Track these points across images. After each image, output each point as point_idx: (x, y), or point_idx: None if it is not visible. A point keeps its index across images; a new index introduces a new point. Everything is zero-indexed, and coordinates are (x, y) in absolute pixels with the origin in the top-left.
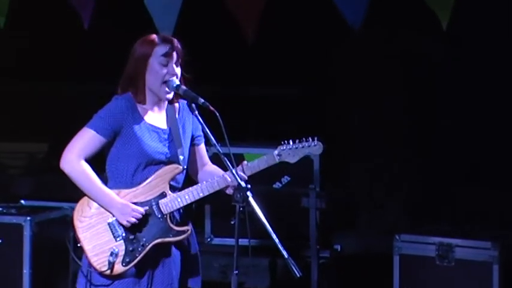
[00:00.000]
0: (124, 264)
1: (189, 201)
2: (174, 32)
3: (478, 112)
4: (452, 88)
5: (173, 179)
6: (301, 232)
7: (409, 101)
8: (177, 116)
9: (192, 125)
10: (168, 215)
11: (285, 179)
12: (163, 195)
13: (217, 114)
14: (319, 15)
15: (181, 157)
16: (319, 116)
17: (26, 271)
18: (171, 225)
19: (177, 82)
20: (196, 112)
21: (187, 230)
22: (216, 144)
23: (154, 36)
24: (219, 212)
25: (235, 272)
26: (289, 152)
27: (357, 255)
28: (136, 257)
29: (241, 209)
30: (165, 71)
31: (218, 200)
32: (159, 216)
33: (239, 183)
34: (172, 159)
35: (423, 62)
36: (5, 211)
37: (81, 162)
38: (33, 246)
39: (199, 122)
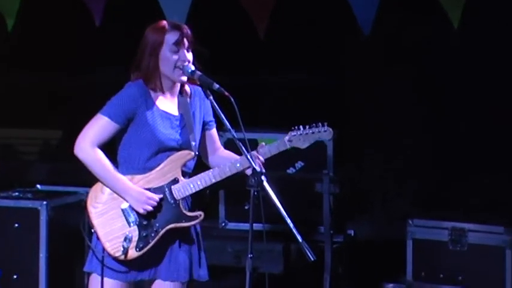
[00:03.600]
0: (138, 249)
1: (201, 187)
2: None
3: (491, 99)
4: (466, 75)
5: (185, 165)
6: (315, 217)
7: (422, 87)
8: (188, 101)
9: (204, 110)
10: (180, 201)
11: (299, 165)
12: (175, 180)
13: (232, 99)
14: (331, 4)
15: (193, 143)
16: (333, 102)
17: (42, 255)
18: (184, 210)
19: (192, 68)
20: (212, 97)
21: (200, 215)
22: (231, 129)
23: (164, 23)
24: (233, 197)
25: (249, 256)
26: (300, 137)
27: (370, 240)
28: (150, 242)
29: (255, 193)
30: (176, 57)
31: (232, 185)
32: (172, 201)
33: (254, 168)
34: (184, 146)
35: (436, 50)
36: (21, 196)
37: (95, 148)
38: (50, 230)
39: (215, 107)
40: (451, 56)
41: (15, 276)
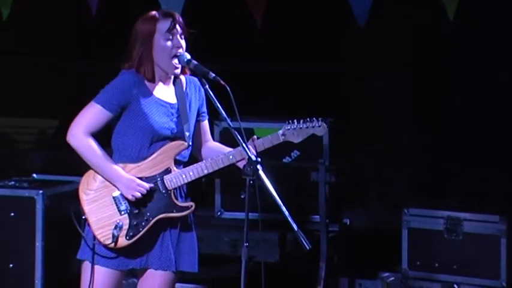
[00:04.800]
0: (128, 237)
1: (193, 178)
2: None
3: (488, 91)
4: (463, 65)
5: (178, 155)
6: (311, 206)
7: (420, 78)
8: (184, 91)
9: (199, 100)
10: (172, 191)
11: (295, 154)
12: (168, 170)
13: (228, 88)
14: None
15: (187, 133)
16: (329, 92)
17: (38, 244)
18: (175, 200)
19: (188, 56)
20: (207, 86)
21: (191, 206)
22: (227, 118)
23: (154, 12)
24: (229, 186)
25: (245, 245)
26: (294, 132)
27: (366, 229)
28: (140, 231)
29: (251, 182)
30: (170, 44)
31: (228, 174)
32: (164, 191)
33: (249, 157)
34: (178, 135)
35: (435, 40)
36: (17, 185)
37: (87, 136)
38: (46, 219)
39: (210, 96)
40: (448, 48)
41: (11, 265)
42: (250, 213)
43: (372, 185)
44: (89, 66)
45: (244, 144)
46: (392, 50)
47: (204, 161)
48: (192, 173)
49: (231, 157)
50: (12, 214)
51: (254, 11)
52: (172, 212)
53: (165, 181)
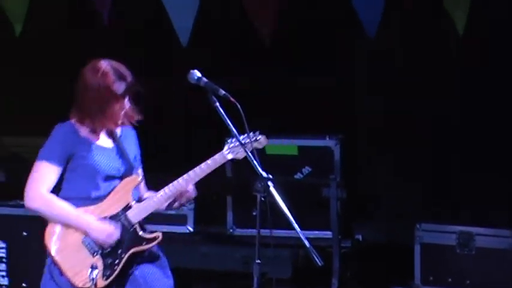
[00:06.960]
0: (105, 278)
1: (156, 207)
2: (192, 30)
3: (498, 100)
4: (471, 76)
5: (134, 189)
6: (323, 222)
7: (428, 90)
8: (118, 137)
9: (135, 145)
10: (136, 225)
11: (306, 170)
12: (128, 206)
13: (238, 105)
14: (338, 7)
15: (134, 169)
16: (340, 107)
17: None
18: (141, 233)
19: (198, 74)
20: (217, 104)
21: (158, 237)
22: (237, 135)
23: (106, 67)
24: (240, 203)
25: (256, 261)
26: (234, 149)
27: (378, 245)
28: (115, 269)
29: (262, 199)
30: (121, 107)
31: (240, 191)
32: (129, 227)
33: (260, 174)
34: (126, 173)
35: (442, 52)
36: None
37: (45, 194)
38: None
39: (221, 113)
40: (457, 59)
41: (24, 285)
42: (262, 230)
43: (383, 200)
44: None
45: (255, 162)
46: (398, 62)
47: (162, 191)
48: (153, 202)
49: (180, 186)
50: (25, 233)
51: (262, 31)
52: (142, 245)
53: (128, 217)
